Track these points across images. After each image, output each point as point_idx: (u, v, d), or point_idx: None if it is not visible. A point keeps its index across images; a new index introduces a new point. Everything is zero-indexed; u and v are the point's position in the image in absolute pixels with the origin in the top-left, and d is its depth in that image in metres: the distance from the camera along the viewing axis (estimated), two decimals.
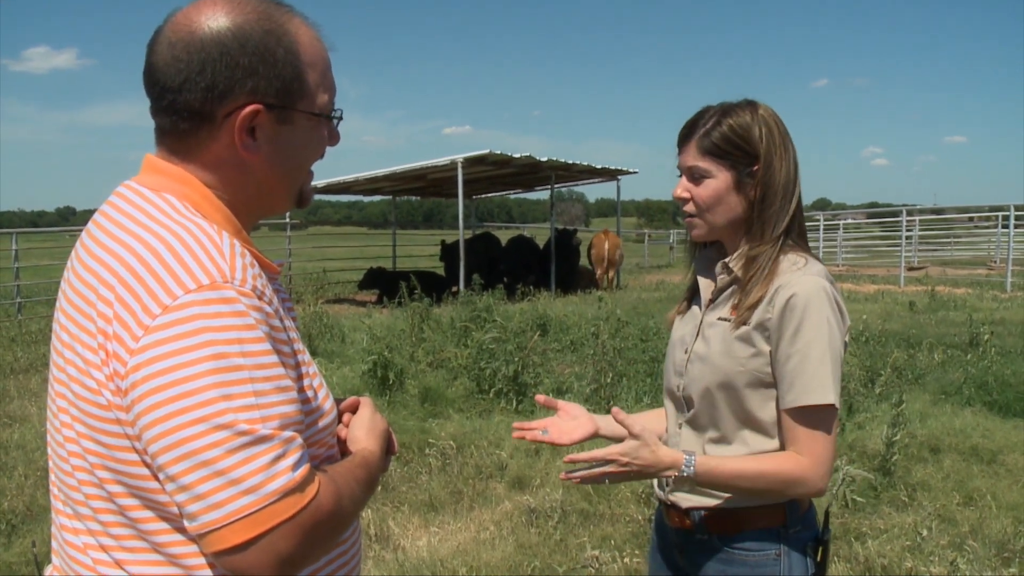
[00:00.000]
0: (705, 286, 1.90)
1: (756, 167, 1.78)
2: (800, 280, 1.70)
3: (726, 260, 1.83)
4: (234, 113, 1.18)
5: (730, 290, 1.82)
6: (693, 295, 1.96)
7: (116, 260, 1.12)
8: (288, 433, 1.07)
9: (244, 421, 1.03)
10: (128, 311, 1.07)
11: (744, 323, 1.74)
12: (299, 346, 1.22)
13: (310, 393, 1.21)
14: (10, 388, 8.44)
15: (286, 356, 1.14)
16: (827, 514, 1.87)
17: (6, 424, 7.05)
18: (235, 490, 1.02)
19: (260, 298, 1.12)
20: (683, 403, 1.87)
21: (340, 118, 1.33)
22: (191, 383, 1.02)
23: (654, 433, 1.75)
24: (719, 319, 1.81)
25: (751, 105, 1.81)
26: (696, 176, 1.81)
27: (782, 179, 1.78)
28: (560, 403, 1.96)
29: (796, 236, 1.81)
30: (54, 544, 1.26)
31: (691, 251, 2.00)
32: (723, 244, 1.90)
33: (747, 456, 1.75)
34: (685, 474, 1.70)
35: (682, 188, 1.84)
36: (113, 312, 1.08)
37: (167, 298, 1.06)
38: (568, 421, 1.99)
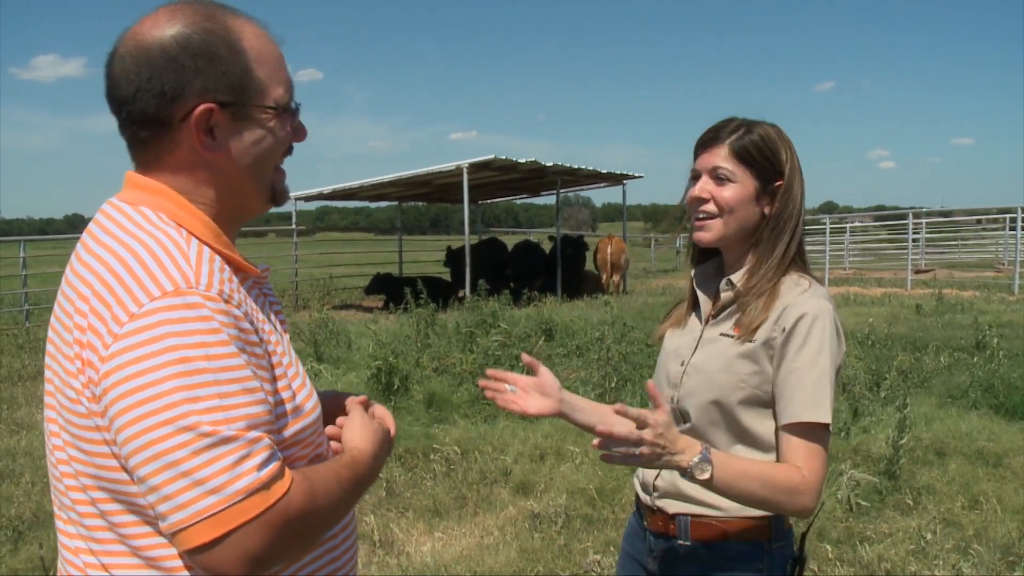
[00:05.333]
0: (705, 300, 1.90)
1: (779, 183, 1.81)
2: (808, 301, 1.73)
3: (730, 277, 1.84)
4: (189, 115, 1.21)
5: (733, 306, 1.83)
6: (692, 308, 1.96)
7: (90, 272, 1.17)
8: (254, 434, 1.10)
9: (208, 423, 1.06)
10: (100, 320, 1.11)
11: (749, 341, 1.75)
12: (277, 348, 1.25)
13: (286, 394, 1.23)
14: (18, 395, 8.49)
15: (258, 357, 1.17)
16: (803, 537, 1.87)
17: (14, 431, 7.10)
18: (200, 490, 1.05)
19: (227, 302, 1.15)
20: (679, 415, 1.86)
21: (297, 110, 1.35)
22: (156, 387, 1.06)
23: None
24: (721, 334, 1.81)
25: (773, 125, 1.85)
26: (720, 177, 1.80)
27: (798, 202, 1.82)
28: (541, 369, 1.93)
29: (798, 257, 1.84)
30: (58, 544, 1.30)
31: (694, 259, 1.99)
32: (723, 257, 1.91)
33: (757, 460, 1.75)
34: (705, 454, 1.61)
35: (702, 189, 1.83)
36: (87, 323, 1.13)
37: (133, 306, 1.10)
38: (538, 399, 1.92)
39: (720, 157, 1.81)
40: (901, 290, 17.69)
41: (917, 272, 21.08)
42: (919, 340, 10.20)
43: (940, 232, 28.92)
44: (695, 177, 1.86)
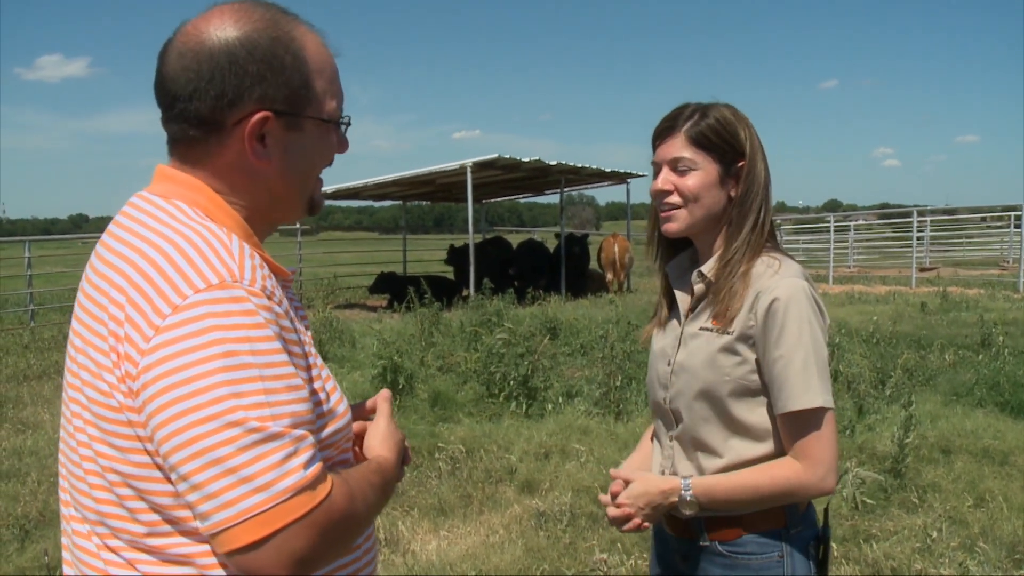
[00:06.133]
0: (682, 295, 1.89)
1: (741, 163, 1.79)
2: (779, 283, 1.71)
3: (701, 268, 1.83)
4: (243, 120, 1.20)
5: (708, 298, 1.82)
6: (669, 304, 1.95)
7: (127, 264, 1.14)
8: (299, 431, 1.07)
9: (255, 419, 1.03)
10: (139, 312, 1.08)
11: (727, 333, 1.74)
12: (311, 349, 1.23)
13: (322, 396, 1.22)
14: (23, 395, 8.50)
15: (297, 356, 1.15)
16: (827, 512, 1.87)
17: (20, 430, 7.11)
18: (246, 488, 1.02)
19: (270, 298, 1.13)
20: (671, 416, 1.87)
21: (348, 124, 1.34)
22: (201, 381, 1.03)
23: (643, 470, 1.92)
24: (701, 329, 1.80)
25: (728, 105, 1.83)
26: (681, 168, 1.80)
27: (762, 180, 1.80)
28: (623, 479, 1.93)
29: (768, 237, 1.82)
30: (65, 554, 1.27)
31: (662, 256, 1.98)
32: (695, 247, 1.90)
33: (742, 471, 1.75)
34: (688, 498, 1.75)
35: (664, 180, 1.82)
36: (125, 315, 1.10)
37: (177, 298, 1.07)
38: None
39: (678, 147, 1.80)
40: (906, 288, 17.65)
41: (922, 270, 21.04)
42: (924, 338, 10.18)
43: (945, 230, 28.86)
44: (657, 170, 1.86)
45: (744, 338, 1.72)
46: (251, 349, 1.06)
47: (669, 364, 1.87)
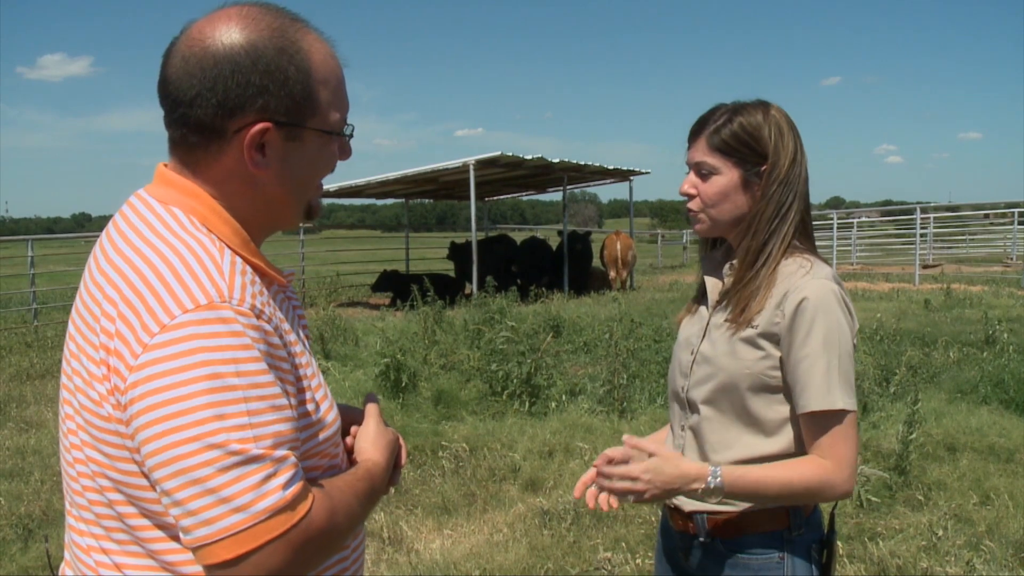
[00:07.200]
0: (712, 287, 1.89)
1: (763, 167, 1.78)
2: (809, 284, 1.70)
3: (732, 261, 1.83)
4: (244, 129, 1.19)
5: (734, 293, 1.81)
6: (702, 295, 1.95)
7: (119, 275, 1.14)
8: (281, 452, 1.09)
9: (236, 441, 1.05)
10: (128, 328, 1.09)
11: (751, 326, 1.73)
12: (302, 360, 1.24)
13: (311, 407, 1.23)
14: (27, 394, 8.51)
15: (285, 372, 1.16)
16: (832, 516, 1.85)
17: (23, 429, 7.12)
18: (225, 508, 1.05)
19: (258, 317, 1.13)
20: (687, 405, 1.86)
21: (351, 135, 1.33)
22: (186, 402, 1.04)
23: (670, 448, 1.83)
24: (725, 320, 1.79)
25: (763, 105, 1.81)
26: (703, 172, 1.81)
27: (789, 180, 1.78)
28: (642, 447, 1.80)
29: (801, 238, 1.80)
30: (66, 539, 1.30)
31: (702, 249, 2.01)
32: (730, 244, 1.90)
33: (771, 464, 1.72)
34: (712, 485, 1.67)
35: (689, 184, 1.85)
36: (115, 328, 1.11)
37: (165, 317, 1.08)
38: None
39: (700, 152, 1.81)
40: (909, 285, 17.63)
41: (925, 267, 21.01)
42: (928, 335, 10.15)
43: (948, 227, 28.82)
44: (687, 171, 1.87)
45: (769, 335, 1.72)
46: (236, 371, 1.07)
47: (692, 353, 1.87)
